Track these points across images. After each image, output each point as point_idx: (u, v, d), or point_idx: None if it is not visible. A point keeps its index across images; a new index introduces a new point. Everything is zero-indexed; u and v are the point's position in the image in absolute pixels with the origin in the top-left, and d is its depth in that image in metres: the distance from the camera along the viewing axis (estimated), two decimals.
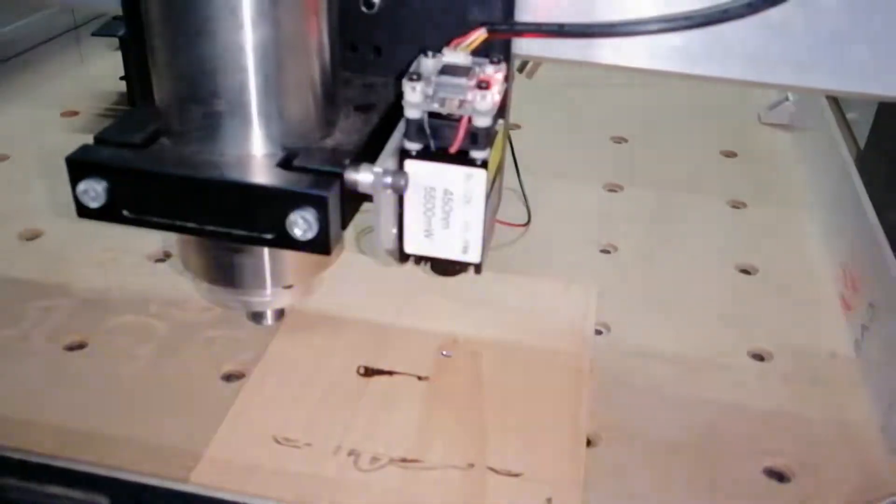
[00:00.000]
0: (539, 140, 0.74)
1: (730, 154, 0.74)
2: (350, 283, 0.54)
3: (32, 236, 0.57)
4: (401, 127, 0.38)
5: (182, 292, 0.51)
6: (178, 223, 0.35)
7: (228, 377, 0.46)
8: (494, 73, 0.35)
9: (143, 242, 0.56)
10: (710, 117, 0.80)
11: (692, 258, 0.59)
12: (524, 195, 0.62)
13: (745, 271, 0.58)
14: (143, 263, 0.55)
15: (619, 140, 0.76)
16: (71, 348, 0.47)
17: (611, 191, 0.67)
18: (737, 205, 0.66)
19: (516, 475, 0.41)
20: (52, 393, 0.44)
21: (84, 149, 0.35)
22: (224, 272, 0.39)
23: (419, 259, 0.41)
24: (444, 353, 0.48)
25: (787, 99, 0.79)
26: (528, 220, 0.61)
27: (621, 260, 0.59)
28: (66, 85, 0.80)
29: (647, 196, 0.66)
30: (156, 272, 0.54)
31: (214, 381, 0.46)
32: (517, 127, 0.76)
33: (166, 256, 0.55)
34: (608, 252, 0.59)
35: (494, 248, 0.60)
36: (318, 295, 0.52)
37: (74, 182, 0.34)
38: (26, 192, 0.62)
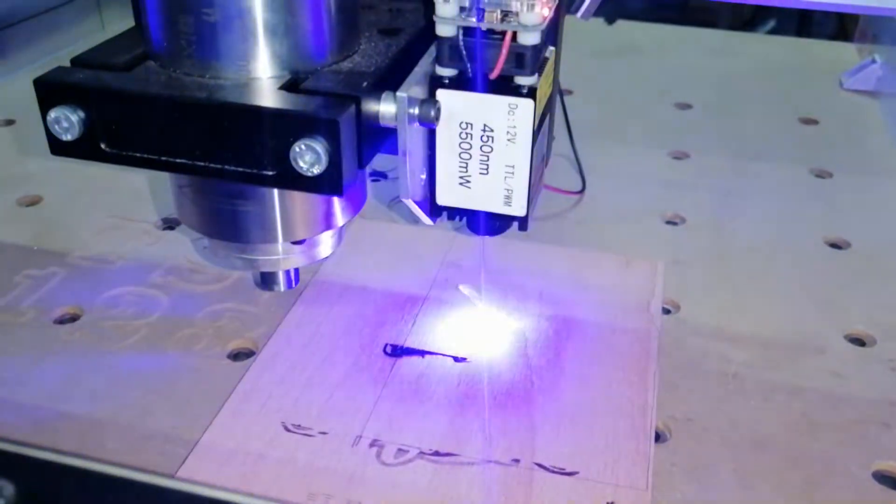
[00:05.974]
0: (593, 106, 0.67)
1: (809, 121, 0.66)
2: (380, 252, 0.47)
3: (31, 203, 0.52)
4: (431, 51, 0.32)
5: (190, 262, 0.46)
6: (165, 158, 0.29)
7: (236, 355, 0.40)
8: None
9: (151, 209, 0.51)
10: (783, 84, 0.73)
11: (772, 230, 0.51)
12: (577, 160, 0.55)
13: (836, 245, 0.50)
14: (150, 231, 0.49)
15: (684, 106, 0.68)
16: (61, 321, 0.42)
17: (676, 158, 0.60)
18: (821, 174, 0.58)
19: (570, 474, 0.34)
20: (34, 369, 0.39)
21: (57, 70, 0.29)
22: (225, 223, 0.33)
23: (453, 213, 0.34)
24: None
25: (873, 61, 0.71)
26: (583, 188, 0.54)
27: (690, 232, 0.51)
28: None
29: (718, 164, 0.59)
30: (162, 240, 0.48)
31: (220, 360, 0.40)
32: (569, 92, 0.69)
33: (176, 224, 0.49)
34: (674, 223, 0.52)
35: (544, 218, 0.54)
36: (344, 265, 0.46)
37: (45, 109, 0.29)
38: (28, 157, 0.57)
